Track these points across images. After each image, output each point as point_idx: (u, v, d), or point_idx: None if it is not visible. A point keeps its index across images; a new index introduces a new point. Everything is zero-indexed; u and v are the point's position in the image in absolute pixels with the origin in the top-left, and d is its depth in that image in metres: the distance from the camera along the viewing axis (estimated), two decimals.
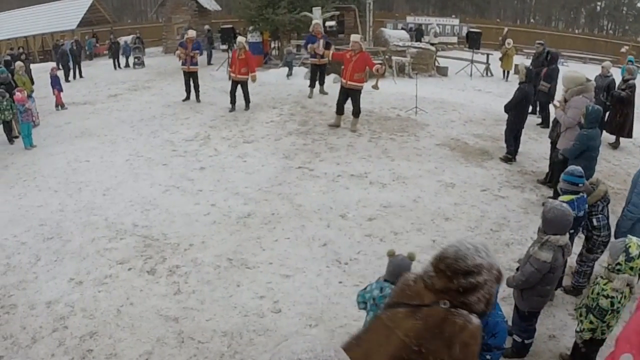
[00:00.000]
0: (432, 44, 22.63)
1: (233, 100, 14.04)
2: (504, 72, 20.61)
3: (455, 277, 2.31)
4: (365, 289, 3.97)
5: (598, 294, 4.09)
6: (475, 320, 2.32)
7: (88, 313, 5.40)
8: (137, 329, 5.14)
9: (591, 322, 4.17)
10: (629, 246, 3.92)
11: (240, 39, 14.48)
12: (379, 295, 3.78)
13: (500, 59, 20.67)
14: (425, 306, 2.34)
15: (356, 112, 11.72)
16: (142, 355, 4.76)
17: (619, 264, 3.94)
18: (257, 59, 21.95)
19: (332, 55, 12.79)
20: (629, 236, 4.10)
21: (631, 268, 3.91)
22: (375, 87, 11.78)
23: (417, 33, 28.44)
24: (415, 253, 3.93)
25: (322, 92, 15.34)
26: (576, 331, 4.36)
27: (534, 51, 15.49)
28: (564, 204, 4.55)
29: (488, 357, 3.61)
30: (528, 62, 13.35)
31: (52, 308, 5.50)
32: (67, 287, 5.90)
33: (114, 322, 5.25)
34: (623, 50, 26.56)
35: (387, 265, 3.91)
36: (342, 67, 11.88)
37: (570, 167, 5.50)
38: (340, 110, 11.97)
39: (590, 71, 12.09)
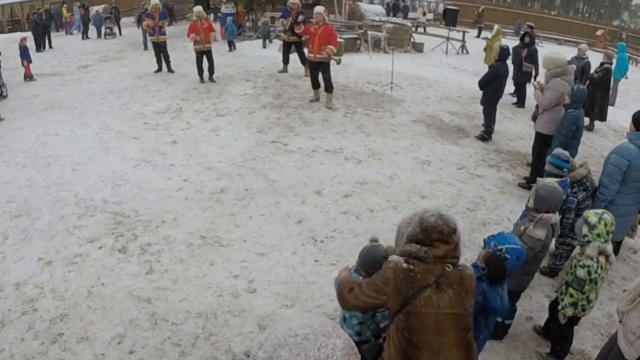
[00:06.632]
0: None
1: (201, 72, 13.93)
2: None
3: (450, 238, 2.67)
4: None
5: (575, 266, 4.22)
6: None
7: (58, 294, 5.24)
8: (109, 311, 5.00)
9: (571, 295, 4.23)
10: (587, 217, 4.16)
11: (196, 8, 14.18)
12: None
13: (485, 49, 16.59)
14: (440, 277, 2.65)
15: (328, 87, 11.52)
16: (115, 338, 4.64)
17: (585, 235, 4.13)
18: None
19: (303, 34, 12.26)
20: (585, 211, 4.35)
21: (598, 235, 4.09)
22: (337, 62, 11.51)
23: (394, 8, 28.28)
24: (382, 237, 3.82)
25: (306, 74, 14.14)
26: (558, 309, 4.38)
27: (511, 31, 15.49)
28: (555, 183, 4.59)
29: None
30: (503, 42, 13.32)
31: (20, 290, 5.32)
32: (36, 267, 5.71)
33: (85, 303, 5.10)
34: (598, 33, 26.82)
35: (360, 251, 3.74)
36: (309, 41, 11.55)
37: (558, 151, 5.54)
38: (315, 85, 11.84)
39: (566, 53, 12.12)
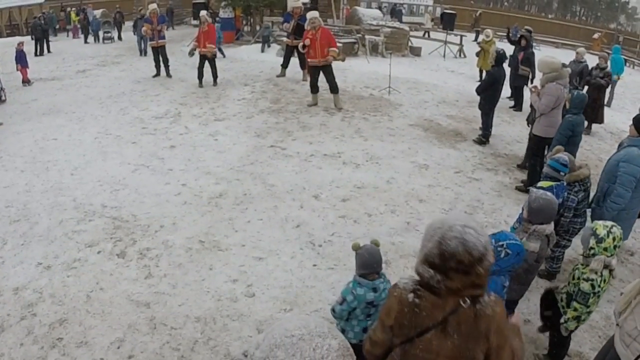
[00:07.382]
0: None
1: (201, 76, 13.94)
2: (480, 71, 16.14)
3: (472, 269, 2.18)
4: (343, 300, 3.68)
5: (579, 278, 4.12)
6: (496, 298, 2.32)
7: (57, 299, 5.24)
8: (108, 315, 5.01)
9: (575, 310, 4.16)
10: (596, 229, 4.00)
11: (202, 12, 14.26)
12: (376, 296, 3.61)
13: (477, 54, 16.25)
14: (451, 314, 2.24)
15: (334, 88, 11.63)
16: (114, 343, 4.64)
17: (591, 248, 4.00)
18: (229, 34, 21.64)
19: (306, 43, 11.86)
20: (594, 221, 4.21)
21: (605, 249, 3.97)
22: (342, 59, 11.60)
23: (392, 12, 28.36)
24: (379, 240, 3.84)
25: (304, 78, 14.23)
26: (561, 323, 4.35)
27: (503, 33, 15.67)
28: (549, 193, 4.53)
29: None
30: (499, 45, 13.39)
31: (19, 294, 5.32)
32: (35, 272, 5.71)
33: (84, 308, 5.10)
34: (595, 36, 26.97)
35: (356, 259, 3.72)
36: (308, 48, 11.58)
37: (558, 155, 5.54)
38: (315, 90, 11.89)
39: (563, 56, 12.21)
